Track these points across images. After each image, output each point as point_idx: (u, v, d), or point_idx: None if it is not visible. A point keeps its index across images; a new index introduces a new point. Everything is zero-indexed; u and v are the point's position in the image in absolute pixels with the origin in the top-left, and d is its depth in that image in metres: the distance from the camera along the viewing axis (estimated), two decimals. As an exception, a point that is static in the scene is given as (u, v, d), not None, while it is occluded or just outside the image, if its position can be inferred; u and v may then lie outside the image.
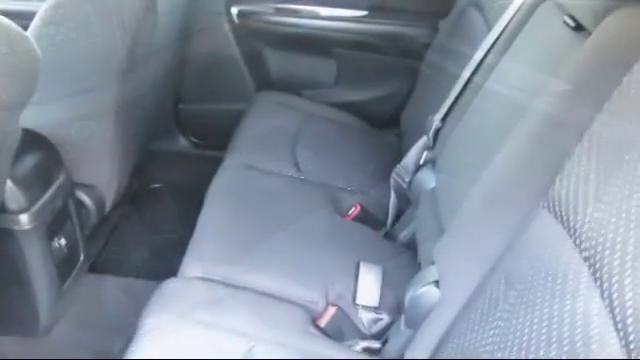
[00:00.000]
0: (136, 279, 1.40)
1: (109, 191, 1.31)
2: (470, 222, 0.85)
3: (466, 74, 1.15)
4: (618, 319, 0.51)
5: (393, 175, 1.30)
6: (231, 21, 1.70)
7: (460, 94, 1.15)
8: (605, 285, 0.54)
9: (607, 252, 0.54)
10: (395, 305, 1.08)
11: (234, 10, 1.69)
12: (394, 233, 1.30)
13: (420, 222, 1.17)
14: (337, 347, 0.97)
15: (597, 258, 0.56)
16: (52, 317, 1.22)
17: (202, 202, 1.22)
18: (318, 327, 1.01)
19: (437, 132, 1.20)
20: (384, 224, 1.35)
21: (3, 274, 1.10)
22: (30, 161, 1.08)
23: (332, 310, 1.03)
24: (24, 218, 1.04)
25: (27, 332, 1.23)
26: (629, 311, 0.50)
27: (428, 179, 1.19)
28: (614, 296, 0.52)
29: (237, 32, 1.71)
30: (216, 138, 1.69)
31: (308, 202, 1.26)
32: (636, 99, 0.60)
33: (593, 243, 0.57)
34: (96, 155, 1.22)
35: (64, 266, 1.21)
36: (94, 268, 1.45)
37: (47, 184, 1.10)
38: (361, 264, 1.10)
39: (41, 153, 1.11)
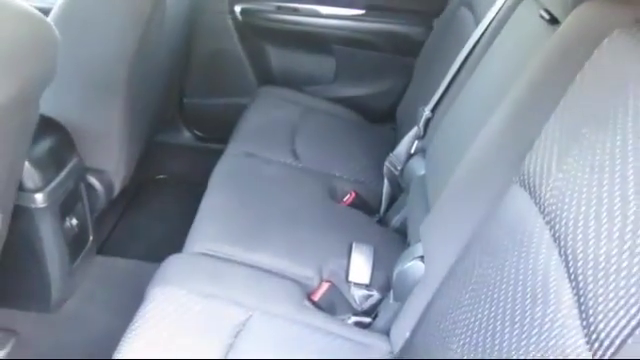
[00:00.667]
0: (142, 262, 1.47)
1: (117, 176, 1.38)
2: (452, 200, 0.92)
3: (454, 67, 1.22)
4: (571, 270, 0.58)
5: (386, 164, 1.37)
6: (235, 19, 1.78)
7: (449, 86, 1.22)
8: (562, 243, 0.60)
9: (564, 214, 0.61)
10: (385, 283, 1.14)
11: (237, 8, 1.77)
12: (387, 219, 1.37)
13: (410, 206, 1.23)
14: (330, 319, 1.04)
15: (557, 220, 0.63)
16: (63, 293, 1.30)
17: (204, 192, 1.29)
18: (312, 301, 1.08)
19: (427, 122, 1.27)
20: (378, 211, 1.42)
21: (19, 251, 1.17)
22: (46, 144, 1.16)
23: (325, 286, 1.10)
24: (39, 197, 1.12)
25: (39, 307, 1.30)
26: (580, 262, 0.57)
27: (418, 166, 1.26)
28: (569, 251, 0.59)
29: (240, 29, 1.79)
30: (218, 131, 1.76)
31: (305, 188, 1.33)
32: (594, 82, 0.67)
33: (554, 208, 0.64)
34: (106, 141, 1.30)
35: (74, 245, 1.29)
36: (101, 250, 1.52)
37: (61, 166, 1.18)
38: (354, 244, 1.17)
39: (56, 138, 1.19)
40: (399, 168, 1.33)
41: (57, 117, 1.19)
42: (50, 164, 1.15)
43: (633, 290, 0.50)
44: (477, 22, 1.31)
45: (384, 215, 1.39)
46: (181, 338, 0.91)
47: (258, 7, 1.77)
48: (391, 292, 1.07)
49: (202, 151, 1.94)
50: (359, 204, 1.38)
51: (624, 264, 0.51)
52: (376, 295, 1.13)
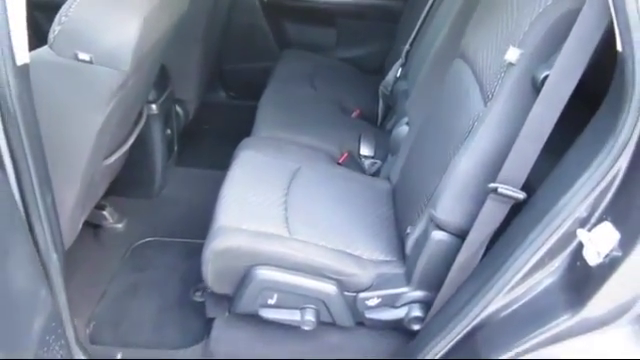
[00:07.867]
0: (208, 169, 2.01)
1: (192, 105, 1.96)
2: (423, 82, 1.52)
3: (423, 15, 1.83)
4: (478, 78, 1.16)
5: (380, 87, 1.97)
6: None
7: (421, 26, 1.83)
8: (474, 68, 1.19)
9: (477, 54, 1.20)
10: (384, 156, 1.73)
11: (264, -10, 2.37)
12: (383, 127, 1.96)
13: (397, 110, 1.83)
14: (350, 171, 1.62)
15: (473, 60, 1.22)
16: (162, 182, 1.86)
17: (235, 140, 1.75)
18: (338, 164, 1.66)
19: (407, 53, 1.87)
20: (376, 124, 2.01)
21: (136, 148, 1.72)
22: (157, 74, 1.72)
23: (346, 154, 1.69)
24: (154, 106, 1.69)
25: (145, 193, 1.86)
26: (482, 70, 1.15)
27: (402, 85, 1.86)
28: (477, 69, 1.18)
29: (265, 8, 2.38)
30: (246, 92, 2.32)
31: (324, 106, 1.93)
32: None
33: (472, 54, 1.23)
34: (188, 78, 1.88)
35: (168, 149, 1.85)
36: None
37: (164, 89, 1.75)
38: (362, 134, 1.76)
39: (161, 69, 1.75)
40: (389, 89, 1.92)
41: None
42: (160, 85, 1.72)
43: (498, 68, 1.09)
44: (438, -11, 1.92)
45: (380, 125, 1.98)
46: (263, 174, 1.47)
47: (279, -10, 2.37)
48: (389, 155, 1.66)
49: (233, 107, 2.52)
50: (363, 118, 1.97)
51: (495, 59, 1.11)
52: (379, 163, 1.72)
